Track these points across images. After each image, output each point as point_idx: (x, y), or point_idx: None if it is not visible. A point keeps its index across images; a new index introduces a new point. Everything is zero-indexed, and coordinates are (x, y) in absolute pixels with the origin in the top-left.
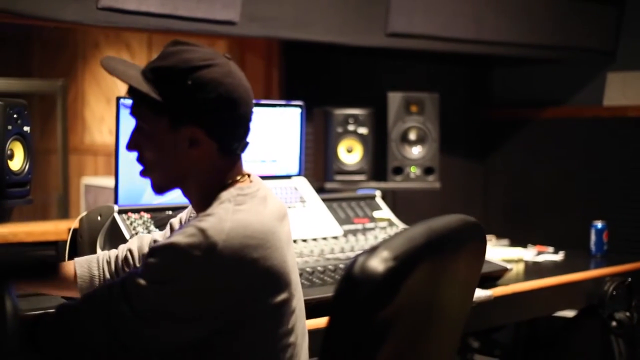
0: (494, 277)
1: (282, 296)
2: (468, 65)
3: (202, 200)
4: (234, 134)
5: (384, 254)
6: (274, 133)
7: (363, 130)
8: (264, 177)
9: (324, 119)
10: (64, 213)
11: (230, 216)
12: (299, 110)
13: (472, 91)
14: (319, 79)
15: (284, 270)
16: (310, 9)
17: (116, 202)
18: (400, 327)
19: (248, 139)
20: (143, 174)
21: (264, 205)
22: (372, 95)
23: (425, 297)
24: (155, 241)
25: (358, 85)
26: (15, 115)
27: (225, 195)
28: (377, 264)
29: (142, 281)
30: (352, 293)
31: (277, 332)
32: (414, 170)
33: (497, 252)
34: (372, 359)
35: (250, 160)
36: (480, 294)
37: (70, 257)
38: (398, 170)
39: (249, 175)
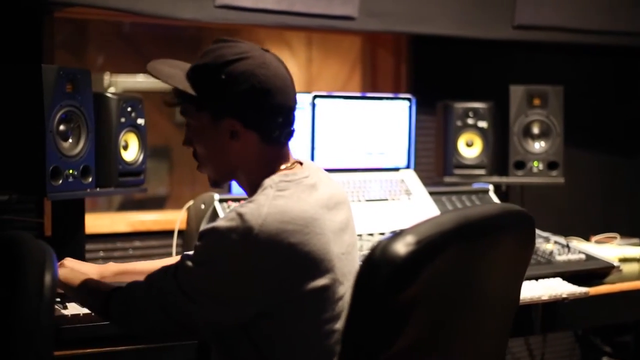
0: (599, 274)
1: (323, 282)
2: (609, 57)
3: (253, 190)
4: (272, 123)
5: (408, 238)
6: (382, 126)
7: (483, 124)
8: (369, 170)
9: (444, 112)
10: None
11: (269, 202)
12: (407, 103)
13: (616, 84)
14: (445, 73)
15: (324, 256)
16: (432, 2)
17: (229, 191)
18: (424, 312)
19: (293, 128)
20: (198, 169)
21: (309, 192)
22: (494, 89)
23: (455, 283)
24: None
25: (481, 78)
26: (129, 109)
27: (267, 182)
28: (400, 247)
29: (189, 262)
30: (371, 275)
31: (321, 318)
32: (536, 165)
33: (614, 250)
34: (392, 342)
35: (356, 152)
36: (573, 290)
37: (180, 244)
38: (520, 165)
39: (301, 163)
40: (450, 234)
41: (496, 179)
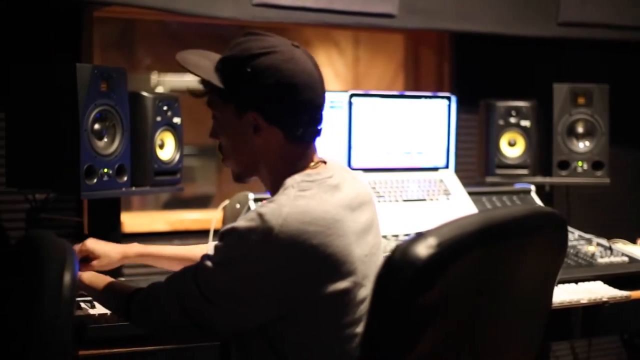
0: None
1: (344, 285)
2: None
3: (274, 188)
4: (296, 120)
5: (430, 240)
6: (421, 125)
7: (526, 123)
8: (407, 169)
9: (487, 111)
10: None
11: (290, 202)
12: (446, 102)
13: None
14: (488, 71)
15: (346, 258)
16: None
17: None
18: (446, 316)
19: (320, 127)
20: (223, 162)
21: (332, 192)
22: (537, 87)
23: (479, 287)
24: None
25: (524, 77)
26: (165, 108)
27: (289, 181)
28: (421, 249)
29: (209, 263)
30: (391, 277)
31: (342, 321)
32: (581, 165)
33: None
34: (413, 346)
35: (394, 151)
36: (614, 293)
37: None
38: (564, 165)
39: (325, 162)
40: (474, 236)
41: (539, 179)
